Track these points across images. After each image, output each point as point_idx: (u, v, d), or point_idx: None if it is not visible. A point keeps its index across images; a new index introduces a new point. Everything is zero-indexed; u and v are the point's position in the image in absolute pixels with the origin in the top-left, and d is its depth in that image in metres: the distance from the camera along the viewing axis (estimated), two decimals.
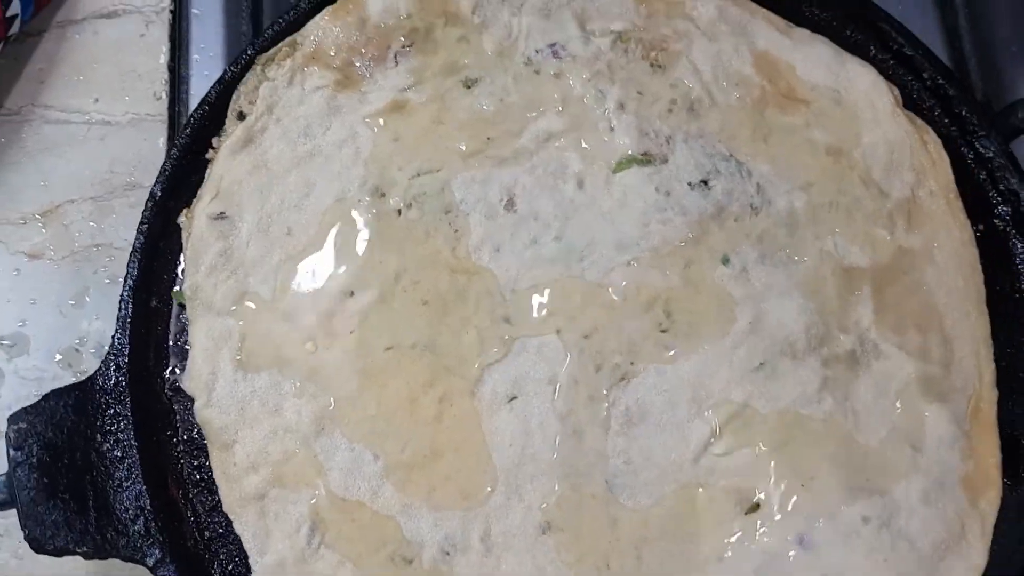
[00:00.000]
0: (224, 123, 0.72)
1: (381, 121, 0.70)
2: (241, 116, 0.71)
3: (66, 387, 0.65)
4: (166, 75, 0.86)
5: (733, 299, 0.67)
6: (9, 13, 0.81)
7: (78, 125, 0.85)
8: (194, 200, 0.70)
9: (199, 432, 0.67)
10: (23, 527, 0.62)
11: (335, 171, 0.69)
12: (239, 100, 0.71)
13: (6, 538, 0.77)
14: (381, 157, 0.69)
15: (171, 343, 0.69)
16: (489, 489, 0.63)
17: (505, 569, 0.62)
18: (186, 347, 0.68)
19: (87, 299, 0.82)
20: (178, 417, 0.67)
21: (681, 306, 0.67)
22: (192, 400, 0.66)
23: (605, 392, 0.65)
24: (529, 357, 0.65)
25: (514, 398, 0.65)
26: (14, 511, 0.64)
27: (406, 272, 0.67)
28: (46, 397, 0.64)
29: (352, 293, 0.66)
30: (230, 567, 0.65)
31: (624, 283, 0.67)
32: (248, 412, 0.65)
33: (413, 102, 0.70)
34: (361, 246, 0.68)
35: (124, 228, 0.83)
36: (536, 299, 0.67)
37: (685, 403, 0.65)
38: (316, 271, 0.67)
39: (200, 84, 0.83)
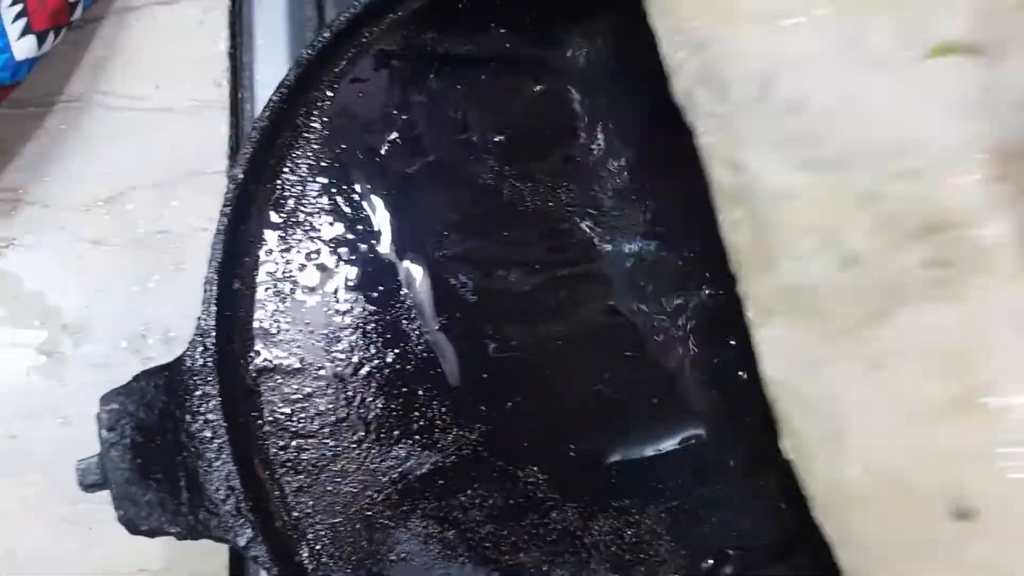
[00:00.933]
0: (298, 106, 0.72)
1: None
2: None
3: (155, 368, 0.65)
4: (226, 62, 0.87)
5: None
6: None
7: (139, 112, 0.85)
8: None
9: (284, 413, 0.67)
10: (117, 508, 0.62)
11: None
12: None
13: (75, 524, 0.76)
14: None
15: (255, 326, 0.68)
16: None
17: None
18: (270, 330, 0.68)
19: (151, 285, 0.82)
20: (262, 399, 0.67)
21: None
22: (278, 381, 0.66)
23: None
24: None
25: None
26: (96, 494, 0.64)
27: None
28: (136, 378, 0.64)
29: None
30: (318, 547, 0.65)
31: None
32: None
33: None
34: None
35: (187, 214, 0.83)
36: None
37: None
38: None
39: (265, 70, 0.83)
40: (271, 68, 0.83)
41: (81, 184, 0.83)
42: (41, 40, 0.79)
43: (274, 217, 0.71)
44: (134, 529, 0.61)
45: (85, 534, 0.76)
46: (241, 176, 0.69)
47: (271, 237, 0.70)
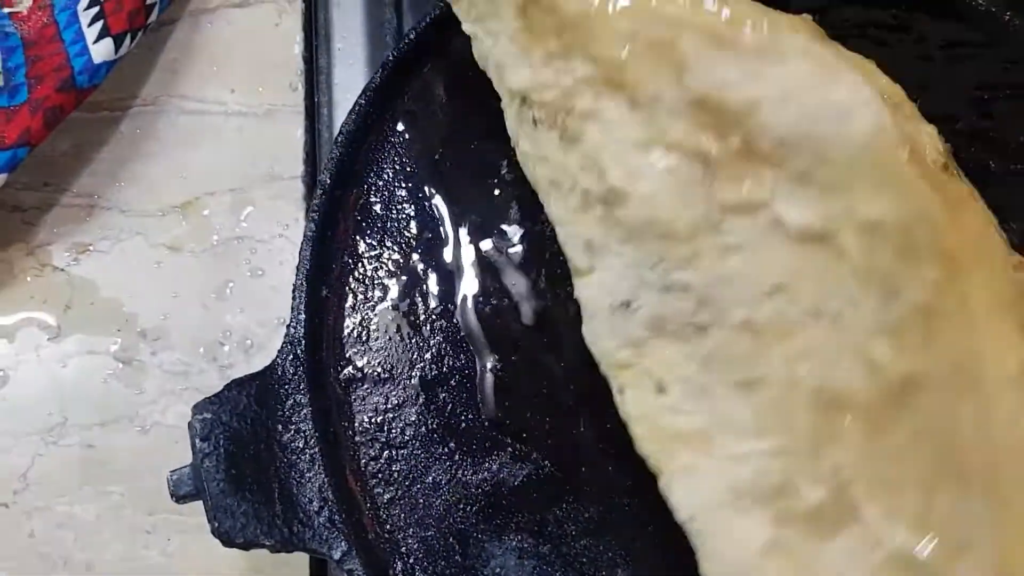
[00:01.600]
0: (384, 111, 0.71)
1: None
2: None
3: (247, 376, 0.64)
4: (301, 65, 0.85)
5: None
6: (149, 1, 0.80)
7: (214, 116, 0.84)
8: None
9: (375, 423, 0.65)
10: (211, 520, 0.60)
11: None
12: None
13: (153, 535, 0.75)
14: None
15: (344, 334, 0.67)
16: None
17: None
18: (359, 338, 0.66)
19: (228, 292, 0.80)
20: (353, 408, 0.66)
21: None
22: (368, 391, 0.65)
23: None
24: None
25: None
26: (175, 505, 0.63)
27: None
28: (228, 387, 0.63)
29: None
30: (411, 560, 0.63)
31: None
32: None
33: None
34: None
35: (265, 220, 0.82)
36: None
37: None
38: None
39: (343, 73, 0.82)
40: (349, 72, 0.82)
41: (157, 189, 0.82)
42: (118, 43, 0.78)
43: (362, 223, 0.69)
44: (228, 541, 0.60)
45: (164, 545, 0.75)
46: (329, 181, 0.68)
47: (359, 243, 0.69)
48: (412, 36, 0.71)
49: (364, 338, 0.67)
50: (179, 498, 0.61)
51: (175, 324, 0.79)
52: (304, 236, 0.66)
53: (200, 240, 0.81)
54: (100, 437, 0.77)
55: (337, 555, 0.61)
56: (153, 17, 0.82)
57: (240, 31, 0.86)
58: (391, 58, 0.71)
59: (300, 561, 0.75)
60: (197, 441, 0.61)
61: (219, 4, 0.87)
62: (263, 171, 0.82)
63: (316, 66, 0.84)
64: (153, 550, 0.75)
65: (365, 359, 0.67)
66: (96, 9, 0.78)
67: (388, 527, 0.64)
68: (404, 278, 0.69)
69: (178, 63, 0.85)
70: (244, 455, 0.62)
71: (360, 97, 0.70)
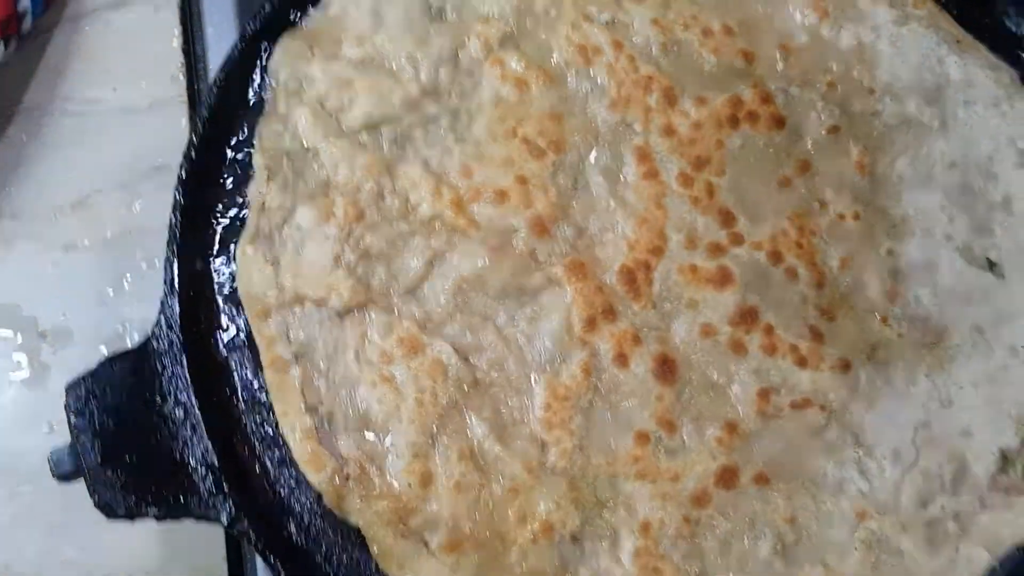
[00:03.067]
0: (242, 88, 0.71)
1: None
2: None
3: (122, 352, 0.64)
4: (181, 57, 0.86)
5: None
6: (20, 8, 0.81)
7: (99, 115, 0.85)
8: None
9: (260, 389, 0.65)
10: (92, 493, 0.60)
11: None
12: None
13: (69, 531, 0.75)
14: None
15: (220, 303, 0.67)
16: None
17: None
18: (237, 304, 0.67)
19: (126, 285, 0.81)
20: (236, 375, 0.66)
21: None
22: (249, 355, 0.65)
23: None
24: None
25: None
26: (79, 487, 0.62)
27: None
28: (102, 363, 0.63)
29: None
30: (305, 519, 0.63)
31: None
32: None
33: None
34: None
35: (156, 211, 0.81)
36: None
37: None
38: None
39: (217, 59, 0.82)
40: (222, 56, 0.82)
41: (47, 192, 0.82)
42: None
43: (229, 187, 0.69)
44: (111, 513, 0.60)
45: (80, 539, 0.74)
46: (194, 155, 0.68)
47: (222, 209, 0.69)
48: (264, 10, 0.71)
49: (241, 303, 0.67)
50: (60, 477, 0.61)
51: (75, 322, 0.80)
52: (172, 207, 0.66)
53: (94, 237, 0.81)
54: (7, 440, 0.77)
55: (225, 519, 0.61)
56: (27, 25, 0.82)
57: (118, 31, 0.87)
58: (245, 32, 0.71)
59: (216, 543, 0.75)
60: (72, 417, 0.61)
61: (96, 7, 0.87)
62: (150, 163, 0.83)
63: (194, 55, 0.84)
64: (69, 546, 0.75)
65: (242, 322, 0.66)
66: None
67: (280, 490, 0.64)
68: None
69: (59, 67, 0.86)
70: (122, 428, 0.62)
71: (207, 93, 0.70)
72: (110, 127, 0.84)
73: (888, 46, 0.77)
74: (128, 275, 0.80)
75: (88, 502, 0.62)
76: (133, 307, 0.80)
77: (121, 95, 0.85)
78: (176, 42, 0.86)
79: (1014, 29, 0.77)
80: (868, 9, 0.78)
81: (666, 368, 0.66)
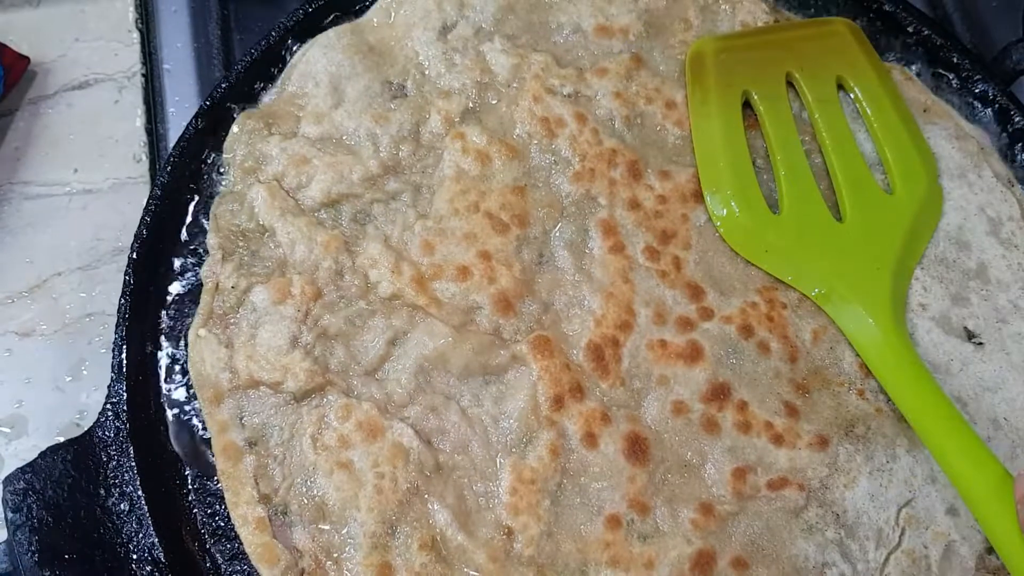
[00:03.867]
0: (197, 167, 0.70)
1: None
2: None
3: (63, 442, 0.61)
4: (144, 137, 0.85)
5: None
6: None
7: (59, 197, 0.83)
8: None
9: (212, 479, 0.62)
10: None
11: None
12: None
13: None
14: None
15: (167, 391, 0.65)
16: None
17: None
18: (187, 393, 0.64)
19: (84, 371, 0.78)
20: (186, 465, 0.63)
21: None
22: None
23: None
24: None
25: None
26: None
27: None
28: (42, 454, 0.61)
29: None
30: None
31: None
32: None
33: None
34: None
35: (115, 294, 0.78)
36: None
37: None
38: None
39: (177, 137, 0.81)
40: None
41: (4, 276, 0.80)
42: None
43: (177, 268, 0.68)
44: None
45: None
46: (145, 233, 0.67)
47: (175, 291, 0.67)
48: (221, 87, 0.71)
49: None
50: None
51: (30, 411, 0.77)
52: (122, 289, 0.64)
53: (51, 322, 0.79)
54: None
55: None
56: None
57: (81, 112, 0.86)
58: (201, 111, 0.70)
59: None
60: (8, 513, 0.58)
61: (58, 88, 0.87)
62: (111, 246, 0.81)
63: (156, 135, 0.83)
64: None
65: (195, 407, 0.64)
66: None
67: None
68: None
69: (20, 151, 0.84)
70: (62, 524, 0.59)
71: (160, 171, 0.69)
72: (71, 209, 0.82)
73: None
74: (87, 361, 0.78)
75: None
76: (90, 395, 0.77)
77: (82, 176, 0.83)
78: (139, 121, 0.85)
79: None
80: None
81: (637, 448, 0.63)
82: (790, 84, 0.75)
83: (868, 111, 0.74)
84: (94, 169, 0.84)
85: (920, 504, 0.63)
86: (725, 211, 0.70)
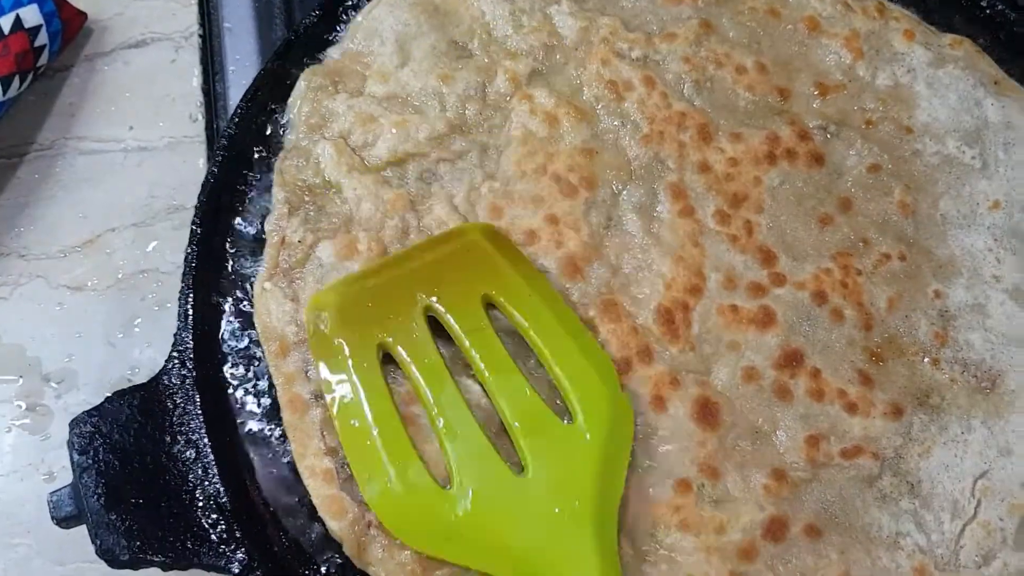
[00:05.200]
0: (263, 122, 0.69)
1: None
2: None
3: (130, 388, 0.60)
4: (200, 97, 0.84)
5: None
6: (37, 43, 0.79)
7: (114, 153, 0.83)
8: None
9: (278, 431, 0.61)
10: (94, 539, 0.56)
11: None
12: None
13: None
14: None
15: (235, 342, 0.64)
16: None
17: None
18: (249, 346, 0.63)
19: (136, 328, 0.77)
20: (251, 414, 0.62)
21: None
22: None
23: None
24: None
25: None
26: (78, 535, 0.58)
27: None
28: (109, 399, 0.59)
29: None
30: (323, 570, 0.59)
31: None
32: None
33: None
34: None
35: (169, 252, 0.79)
36: None
37: None
38: None
39: (238, 97, 0.80)
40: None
41: (57, 231, 0.80)
42: (6, 85, 0.77)
43: (240, 225, 0.67)
44: (114, 560, 0.56)
45: None
46: (212, 182, 0.66)
47: (240, 243, 0.66)
48: (285, 42, 0.70)
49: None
50: (60, 521, 0.57)
51: (81, 365, 0.76)
52: (189, 238, 0.64)
53: (104, 278, 0.78)
54: (5, 487, 0.72)
55: (236, 568, 0.57)
56: (43, 60, 0.81)
57: (137, 70, 0.85)
58: (266, 68, 0.69)
59: None
60: (75, 455, 0.57)
61: (115, 46, 0.86)
62: (165, 203, 0.81)
63: (214, 94, 0.83)
64: None
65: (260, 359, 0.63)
66: None
67: (297, 536, 0.60)
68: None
69: (75, 107, 0.84)
70: (128, 468, 0.58)
71: (228, 124, 0.68)
72: (126, 166, 0.82)
73: (925, 87, 0.75)
74: (139, 318, 0.77)
75: (89, 552, 0.57)
76: (143, 351, 0.76)
77: (138, 133, 0.83)
78: (196, 81, 0.84)
79: None
80: (903, 50, 0.76)
81: (708, 412, 0.62)
82: (431, 317, 0.63)
83: (525, 324, 0.62)
84: (149, 127, 0.83)
85: (995, 476, 0.62)
86: (384, 498, 0.57)
